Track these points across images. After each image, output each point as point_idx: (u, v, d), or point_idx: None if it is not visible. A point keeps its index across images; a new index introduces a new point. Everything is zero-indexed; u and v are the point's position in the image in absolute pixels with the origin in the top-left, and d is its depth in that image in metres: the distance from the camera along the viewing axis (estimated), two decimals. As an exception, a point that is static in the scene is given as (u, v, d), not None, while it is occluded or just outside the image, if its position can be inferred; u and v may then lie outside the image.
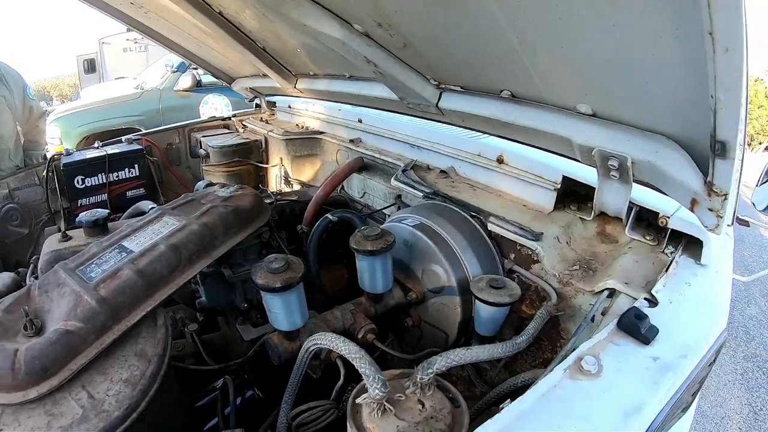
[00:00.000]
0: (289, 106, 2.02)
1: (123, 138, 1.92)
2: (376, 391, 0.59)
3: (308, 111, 1.91)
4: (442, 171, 1.35)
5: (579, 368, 0.65)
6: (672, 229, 0.98)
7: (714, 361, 0.85)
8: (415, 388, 0.63)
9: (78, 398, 0.59)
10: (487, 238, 1.09)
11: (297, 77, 1.72)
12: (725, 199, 0.77)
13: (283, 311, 0.81)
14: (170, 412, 0.74)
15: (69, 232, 1.00)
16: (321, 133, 1.78)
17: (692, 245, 0.98)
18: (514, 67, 0.94)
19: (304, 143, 1.82)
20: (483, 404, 0.78)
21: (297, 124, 1.93)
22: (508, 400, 0.62)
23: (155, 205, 1.18)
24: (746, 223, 1.90)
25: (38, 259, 0.92)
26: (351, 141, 1.62)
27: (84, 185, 1.73)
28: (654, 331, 0.73)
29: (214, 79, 5.99)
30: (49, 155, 1.87)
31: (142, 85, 5.64)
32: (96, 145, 1.89)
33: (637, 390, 0.65)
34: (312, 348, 0.72)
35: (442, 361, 0.64)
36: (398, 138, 1.52)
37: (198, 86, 5.51)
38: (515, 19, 0.78)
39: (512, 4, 0.75)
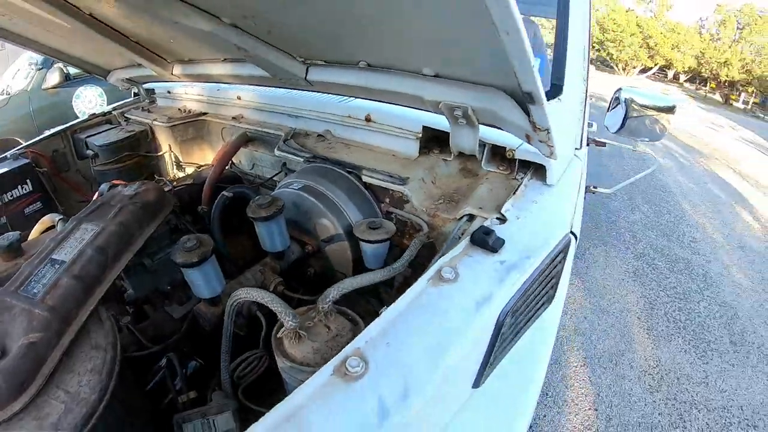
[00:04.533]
0: (168, 92, 2.02)
1: (7, 154, 1.83)
2: (290, 323, 0.75)
3: (188, 95, 1.93)
4: (319, 135, 1.46)
5: (440, 277, 0.78)
6: (520, 159, 1.13)
7: (563, 259, 1.01)
8: (320, 316, 0.80)
9: (57, 397, 0.68)
10: (363, 189, 1.24)
11: (173, 64, 1.74)
12: (548, 133, 0.91)
13: (203, 281, 0.93)
14: (134, 394, 0.85)
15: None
16: (204, 114, 1.83)
17: (540, 170, 1.13)
18: (366, 40, 1.06)
19: (189, 127, 1.86)
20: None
21: (179, 109, 1.95)
22: (385, 306, 0.76)
23: (62, 216, 1.20)
24: (603, 144, 2.12)
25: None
26: (233, 118, 1.70)
27: None
28: (500, 242, 0.88)
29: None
30: None
31: (6, 90, 5.16)
32: None
33: (487, 286, 0.79)
34: (234, 304, 0.84)
35: (335, 291, 0.81)
36: (276, 110, 1.63)
37: (67, 80, 5.09)
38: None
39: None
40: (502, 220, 0.97)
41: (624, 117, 1.73)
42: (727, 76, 31.75)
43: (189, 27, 1.18)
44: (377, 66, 1.13)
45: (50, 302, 0.74)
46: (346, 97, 1.40)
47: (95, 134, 1.95)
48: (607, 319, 3.30)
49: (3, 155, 1.82)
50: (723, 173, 8.08)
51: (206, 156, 1.90)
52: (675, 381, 2.79)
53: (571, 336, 3.10)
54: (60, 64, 5.02)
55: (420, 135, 1.23)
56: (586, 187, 1.73)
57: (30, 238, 1.20)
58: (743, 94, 31.06)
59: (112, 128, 2.05)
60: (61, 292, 0.76)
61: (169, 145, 1.92)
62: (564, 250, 0.99)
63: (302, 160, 1.32)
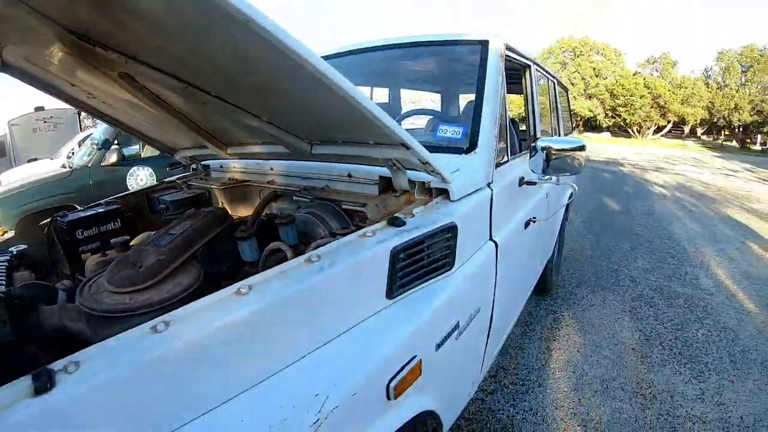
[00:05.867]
0: (221, 166, 2.68)
1: (101, 202, 2.38)
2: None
3: (235, 168, 2.57)
4: (322, 189, 2.01)
5: (363, 234, 1.30)
6: (435, 188, 1.64)
7: (451, 237, 1.51)
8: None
9: (167, 284, 1.29)
10: (342, 212, 1.75)
11: (227, 146, 2.36)
12: (430, 164, 1.42)
13: (248, 251, 1.55)
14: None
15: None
16: (247, 181, 2.45)
17: (445, 193, 1.63)
18: (334, 126, 1.57)
19: (237, 190, 2.47)
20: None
21: (229, 178, 2.58)
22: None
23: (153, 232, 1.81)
24: (533, 183, 2.46)
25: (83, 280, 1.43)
26: (267, 182, 2.33)
27: (83, 236, 2.20)
28: (403, 221, 1.39)
29: (136, 152, 6.48)
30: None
31: (69, 164, 5.98)
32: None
33: (386, 237, 1.29)
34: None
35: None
36: (294, 175, 2.19)
37: (123, 160, 6.05)
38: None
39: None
40: (412, 216, 1.47)
41: (546, 161, 2.16)
42: (739, 120, 31.78)
43: (243, 123, 1.75)
44: (348, 141, 1.63)
45: (167, 248, 1.39)
46: (335, 163, 1.91)
47: (165, 195, 2.56)
48: (600, 351, 3.48)
49: (97, 203, 2.36)
50: (734, 213, 8.19)
51: (249, 211, 2.42)
52: (668, 399, 2.88)
53: (563, 366, 3.28)
54: (117, 146, 5.98)
55: (378, 181, 1.77)
56: (528, 221, 2.30)
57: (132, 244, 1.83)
58: (759, 136, 31.03)
59: (178, 191, 2.67)
60: (172, 246, 1.41)
61: (222, 203, 2.51)
62: (450, 231, 1.50)
63: (309, 200, 1.92)
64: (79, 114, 11.06)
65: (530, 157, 2.21)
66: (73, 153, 6.77)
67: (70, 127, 10.62)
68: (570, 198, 4.19)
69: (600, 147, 25.46)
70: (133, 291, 1.28)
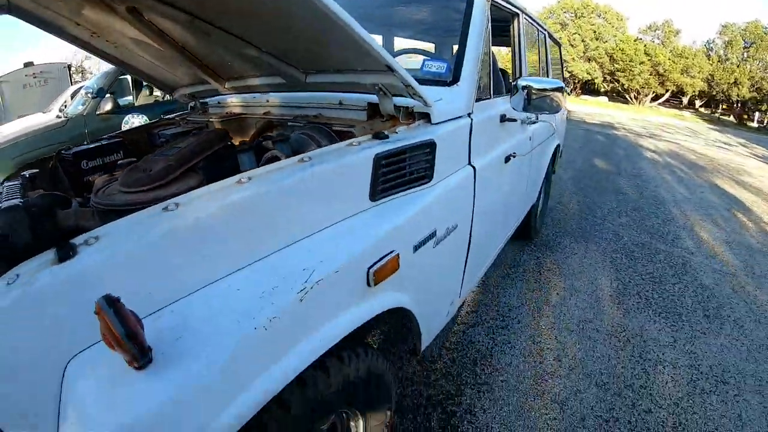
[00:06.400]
0: (218, 102, 2.79)
1: (104, 137, 2.47)
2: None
3: (233, 103, 2.69)
4: (315, 116, 2.12)
5: (350, 144, 1.42)
6: (417, 112, 1.75)
7: (430, 152, 1.66)
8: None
9: (174, 185, 1.49)
10: (332, 133, 1.81)
11: (226, 80, 2.48)
12: (413, 88, 1.52)
13: (248, 163, 1.70)
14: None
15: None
16: (244, 114, 2.56)
17: (427, 116, 1.74)
18: (326, 54, 1.66)
19: (233, 122, 2.55)
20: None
21: (227, 113, 2.68)
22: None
23: None
24: (514, 120, 2.62)
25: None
26: (264, 114, 2.44)
27: (88, 166, 2.29)
28: (386, 135, 1.52)
29: (130, 101, 6.51)
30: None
31: (64, 114, 6.03)
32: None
33: (371, 146, 1.43)
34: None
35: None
36: (290, 105, 2.31)
37: (118, 108, 6.13)
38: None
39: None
40: (396, 133, 1.58)
41: (527, 99, 2.31)
42: (738, 96, 31.71)
43: (243, 54, 1.87)
44: (340, 69, 1.73)
45: (174, 157, 1.56)
46: (327, 92, 2.03)
47: (165, 130, 2.59)
48: (578, 295, 3.65)
49: (100, 137, 2.46)
50: (723, 184, 8.32)
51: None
52: (641, 343, 3.03)
53: (541, 306, 3.46)
54: (111, 95, 6.05)
55: (366, 108, 1.89)
56: (508, 156, 2.45)
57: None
58: (757, 113, 31.08)
59: (177, 127, 2.70)
60: (178, 155, 1.57)
61: (220, 136, 2.66)
62: (429, 147, 1.65)
63: (302, 124, 2.03)
64: (69, 68, 10.94)
65: (511, 96, 2.38)
66: (65, 105, 6.79)
67: (61, 82, 10.52)
68: (556, 150, 4.33)
69: (596, 110, 25.40)
70: (143, 190, 1.44)
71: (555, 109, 2.36)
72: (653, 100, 36.11)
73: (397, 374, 2.63)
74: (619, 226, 5.33)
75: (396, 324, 1.82)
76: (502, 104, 2.47)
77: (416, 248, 1.55)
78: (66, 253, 0.93)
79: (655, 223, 5.54)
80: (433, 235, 1.68)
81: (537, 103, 2.32)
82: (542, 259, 4.31)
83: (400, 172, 1.55)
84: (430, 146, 1.66)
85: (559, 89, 2.34)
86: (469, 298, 3.62)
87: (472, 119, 2.01)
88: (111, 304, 0.81)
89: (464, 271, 2.12)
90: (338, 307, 1.27)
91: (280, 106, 2.39)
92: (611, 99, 37.63)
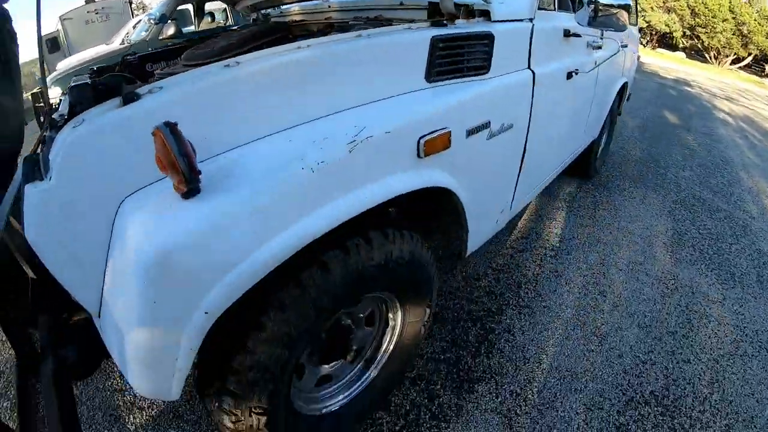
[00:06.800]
0: (280, 13, 2.85)
1: (168, 43, 2.66)
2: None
3: (294, 10, 2.73)
4: (375, 18, 2.12)
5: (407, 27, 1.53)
6: (478, 9, 1.72)
7: (488, 44, 1.66)
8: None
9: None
10: None
11: None
12: None
13: None
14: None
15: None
16: (306, 21, 2.61)
17: (487, 14, 1.72)
18: None
19: (296, 29, 2.59)
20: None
21: (289, 21, 2.73)
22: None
23: None
24: (578, 35, 2.45)
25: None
26: (325, 19, 2.47)
27: (152, 69, 2.45)
28: (440, 22, 1.54)
29: (192, 29, 6.58)
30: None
31: (128, 39, 6.19)
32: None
33: (429, 28, 1.48)
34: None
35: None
36: (350, 8, 2.34)
37: (180, 33, 6.12)
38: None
39: None
40: (454, 24, 1.60)
41: (592, 14, 2.26)
42: None
43: None
44: None
45: (236, 38, 1.62)
46: None
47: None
48: (631, 237, 3.55)
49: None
50: None
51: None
52: (689, 294, 2.92)
53: (593, 242, 3.41)
54: (173, 21, 6.07)
55: (427, 7, 1.90)
56: (570, 72, 2.37)
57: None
58: None
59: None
60: (239, 37, 1.64)
61: (284, 40, 2.68)
62: (487, 38, 1.65)
63: (363, 22, 2.05)
64: (130, 3, 11.16)
65: (575, 11, 2.32)
66: (128, 35, 6.93)
67: (122, 17, 10.68)
68: (623, 88, 4.16)
69: (672, 65, 23.78)
70: (208, 61, 1.49)
71: (620, 27, 2.29)
72: (733, 63, 33.41)
73: (440, 275, 2.66)
74: (682, 179, 5.06)
75: (444, 216, 1.83)
76: (567, 20, 2.39)
77: (469, 133, 1.56)
78: (130, 98, 0.99)
79: (720, 182, 5.19)
80: (486, 125, 1.67)
81: (602, 20, 2.24)
82: (599, 198, 4.22)
83: (457, 57, 1.55)
84: (488, 38, 1.64)
85: (626, 7, 2.26)
86: (520, 224, 3.61)
87: (533, 24, 1.95)
88: (168, 125, 0.86)
89: (517, 181, 2.10)
90: (385, 168, 1.30)
91: (341, 10, 2.40)
92: (689, 56, 35.02)
